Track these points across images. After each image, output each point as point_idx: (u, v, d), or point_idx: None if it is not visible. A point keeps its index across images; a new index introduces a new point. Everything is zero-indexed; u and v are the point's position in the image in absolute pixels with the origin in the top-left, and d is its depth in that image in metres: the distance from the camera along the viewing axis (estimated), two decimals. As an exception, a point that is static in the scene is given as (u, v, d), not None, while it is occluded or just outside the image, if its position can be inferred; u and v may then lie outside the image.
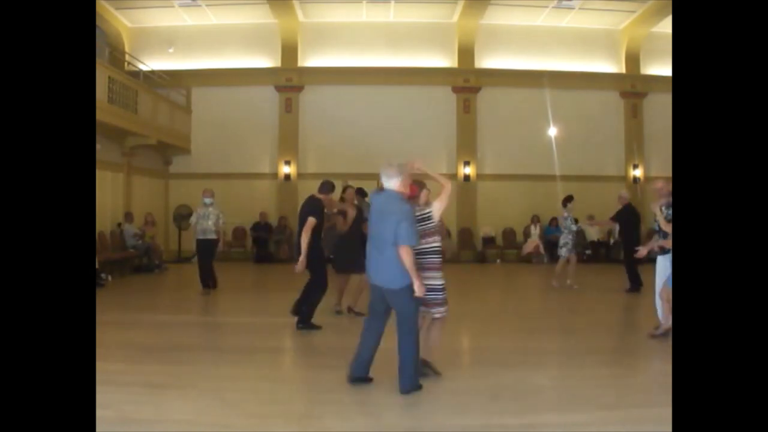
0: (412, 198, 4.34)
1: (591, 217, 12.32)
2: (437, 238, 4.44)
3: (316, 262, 6.42)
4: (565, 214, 9.96)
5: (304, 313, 6.61)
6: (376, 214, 4.29)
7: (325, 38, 15.58)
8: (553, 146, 15.24)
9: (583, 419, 3.70)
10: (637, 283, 9.18)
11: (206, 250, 9.08)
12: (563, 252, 9.89)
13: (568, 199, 10.08)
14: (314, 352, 5.57)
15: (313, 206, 6.45)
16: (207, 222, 8.98)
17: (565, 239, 9.92)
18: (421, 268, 4.24)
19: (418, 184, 4.44)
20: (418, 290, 4.02)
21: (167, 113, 14.34)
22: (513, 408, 3.91)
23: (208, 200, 9.17)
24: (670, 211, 6.12)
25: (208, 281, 9.09)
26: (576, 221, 10.19)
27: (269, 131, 15.52)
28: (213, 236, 9.04)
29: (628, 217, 9.45)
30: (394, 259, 4.04)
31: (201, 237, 9.04)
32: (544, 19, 15.28)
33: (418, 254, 4.23)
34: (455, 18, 15.25)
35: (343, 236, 7.42)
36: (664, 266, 5.97)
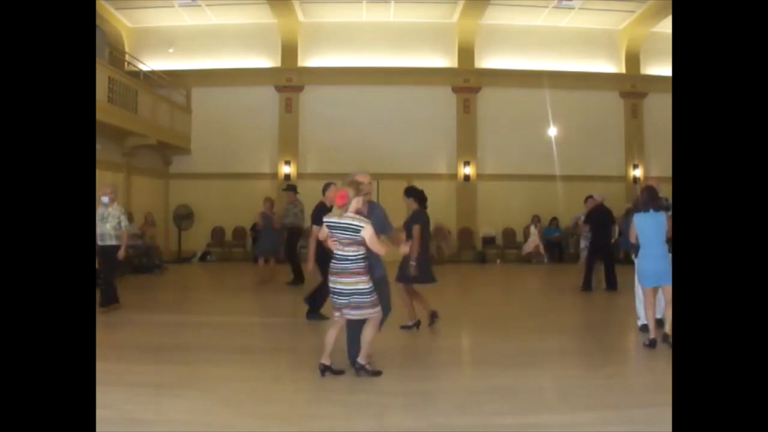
0: (341, 206, 4.43)
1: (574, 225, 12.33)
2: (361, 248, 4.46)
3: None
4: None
5: (316, 302, 6.89)
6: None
7: (325, 38, 15.58)
8: (553, 146, 15.25)
9: (583, 419, 3.69)
10: (612, 284, 9.41)
11: (104, 258, 7.58)
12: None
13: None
14: (314, 352, 5.55)
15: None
16: (105, 225, 7.53)
17: None
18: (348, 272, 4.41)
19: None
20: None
21: (167, 113, 14.33)
22: (513, 408, 3.91)
23: (105, 199, 7.68)
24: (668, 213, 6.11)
25: (111, 295, 7.57)
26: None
27: (269, 131, 15.51)
28: (112, 242, 7.57)
29: (597, 218, 9.49)
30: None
31: (99, 243, 7.53)
32: (544, 19, 15.28)
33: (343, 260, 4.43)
34: (455, 18, 15.25)
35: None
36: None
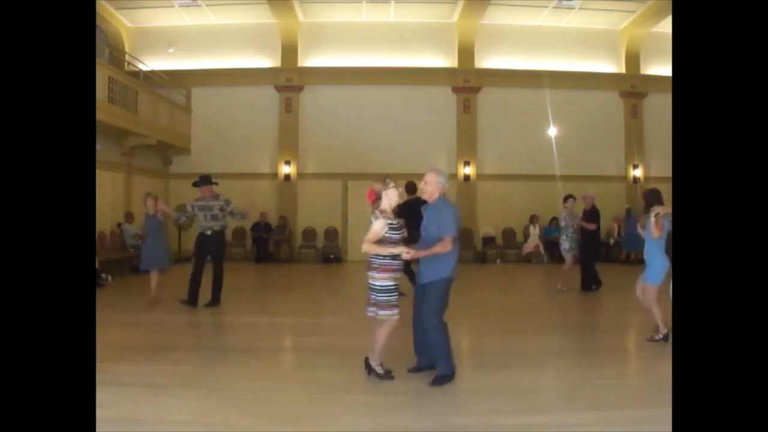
0: (372, 203, 4.39)
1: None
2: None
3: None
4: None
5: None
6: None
7: (325, 38, 15.58)
8: (553, 146, 15.24)
9: (583, 419, 3.70)
10: (592, 283, 9.51)
11: None
12: None
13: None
14: (314, 352, 5.57)
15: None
16: None
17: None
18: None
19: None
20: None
21: (167, 113, 14.33)
22: (513, 408, 3.91)
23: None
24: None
25: None
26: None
27: (269, 131, 15.51)
28: None
29: (596, 216, 9.55)
30: None
31: None
32: (544, 19, 15.28)
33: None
34: (455, 18, 15.25)
35: None
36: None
